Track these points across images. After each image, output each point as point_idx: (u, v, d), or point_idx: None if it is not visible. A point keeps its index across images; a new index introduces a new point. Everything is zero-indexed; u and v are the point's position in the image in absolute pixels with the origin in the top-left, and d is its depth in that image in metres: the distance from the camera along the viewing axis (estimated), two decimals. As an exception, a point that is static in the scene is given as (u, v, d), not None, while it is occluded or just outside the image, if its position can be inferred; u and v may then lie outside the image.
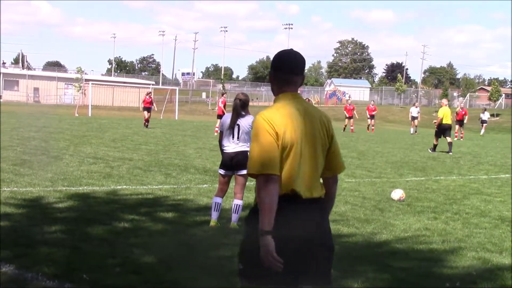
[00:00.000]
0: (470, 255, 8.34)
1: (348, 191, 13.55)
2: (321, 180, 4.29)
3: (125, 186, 12.62)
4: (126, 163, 16.47)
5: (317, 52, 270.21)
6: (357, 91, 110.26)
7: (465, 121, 41.49)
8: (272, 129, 3.93)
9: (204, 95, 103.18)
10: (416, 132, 45.63)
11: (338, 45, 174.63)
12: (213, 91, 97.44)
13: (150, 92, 43.36)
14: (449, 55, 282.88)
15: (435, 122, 27.91)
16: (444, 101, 30.15)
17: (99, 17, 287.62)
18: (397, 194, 12.58)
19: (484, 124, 51.48)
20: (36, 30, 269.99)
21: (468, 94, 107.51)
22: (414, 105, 48.69)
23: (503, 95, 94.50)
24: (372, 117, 46.90)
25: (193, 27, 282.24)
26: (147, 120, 37.43)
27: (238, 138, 9.45)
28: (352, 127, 44.38)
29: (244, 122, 9.43)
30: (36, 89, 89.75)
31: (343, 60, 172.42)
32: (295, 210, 4.01)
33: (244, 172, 9.25)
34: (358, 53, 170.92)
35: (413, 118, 46.02)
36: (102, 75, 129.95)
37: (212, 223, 9.46)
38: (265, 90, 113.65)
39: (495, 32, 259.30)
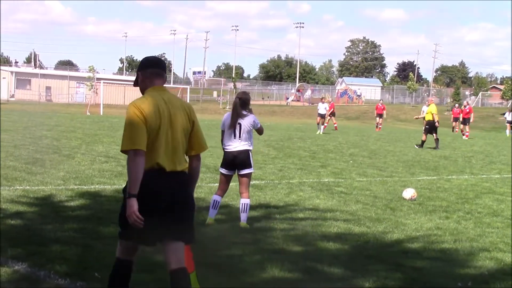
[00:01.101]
0: (482, 255, 8.31)
1: (359, 190, 13.53)
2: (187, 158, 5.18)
3: (136, 185, 12.62)
4: (138, 161, 16.48)
5: (328, 51, 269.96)
6: (368, 89, 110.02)
7: (471, 120, 41.56)
8: (141, 113, 4.85)
9: (215, 94, 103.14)
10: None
11: (349, 44, 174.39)
12: (224, 90, 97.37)
13: None
14: (461, 53, 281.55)
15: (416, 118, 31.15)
16: (432, 98, 31.16)
17: (110, 16, 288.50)
18: (409, 193, 12.56)
19: (509, 125, 49.89)
20: (48, 29, 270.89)
21: (480, 93, 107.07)
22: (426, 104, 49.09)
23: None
24: (380, 115, 47.51)
25: (204, 26, 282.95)
26: None
27: (239, 137, 9.47)
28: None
29: (245, 121, 9.48)
30: (48, 88, 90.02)
31: (354, 58, 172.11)
32: (160, 179, 4.89)
33: (247, 171, 9.48)
34: (370, 52, 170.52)
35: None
36: (114, 74, 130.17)
37: (209, 220, 9.47)
38: (276, 88, 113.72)
39: (508, 30, 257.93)
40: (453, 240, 9.11)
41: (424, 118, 30.28)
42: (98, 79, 73.70)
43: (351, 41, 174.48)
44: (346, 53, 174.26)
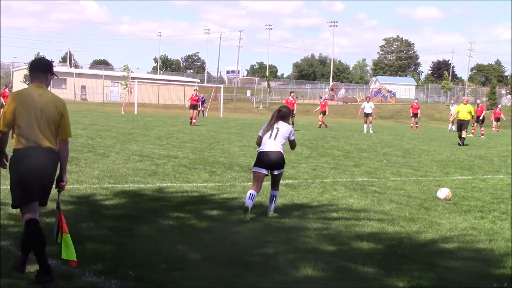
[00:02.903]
0: (518, 255, 8.21)
1: (393, 189, 13.45)
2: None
3: (170, 184, 12.71)
4: (172, 160, 16.59)
5: (362, 50, 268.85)
6: (402, 88, 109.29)
7: (481, 118, 41.65)
8: (15, 102, 6.18)
9: (248, 93, 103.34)
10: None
11: (383, 42, 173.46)
12: (257, 89, 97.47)
13: (196, 89, 43.81)
14: (497, 52, 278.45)
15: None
16: (465, 98, 32.62)
17: (145, 15, 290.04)
18: (443, 192, 12.46)
19: None
20: (83, 29, 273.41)
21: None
22: (452, 104, 49.52)
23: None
24: (415, 115, 47.56)
25: (238, 25, 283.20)
26: (194, 117, 38.03)
27: (275, 138, 10.11)
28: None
29: (283, 127, 10.24)
30: (83, 87, 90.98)
31: (388, 57, 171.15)
32: (29, 154, 6.16)
33: (281, 171, 10.26)
34: (404, 51, 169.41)
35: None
36: (148, 73, 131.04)
37: (247, 206, 9.84)
38: (310, 87, 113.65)
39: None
40: (488, 240, 9.02)
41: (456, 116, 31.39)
42: (133, 78, 74.38)
43: (385, 39, 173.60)
44: (380, 52, 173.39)
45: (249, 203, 9.81)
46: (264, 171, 10.10)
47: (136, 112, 53.88)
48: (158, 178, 13.33)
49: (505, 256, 8.17)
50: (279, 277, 6.73)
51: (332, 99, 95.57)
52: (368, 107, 39.10)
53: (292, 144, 10.46)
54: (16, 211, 9.38)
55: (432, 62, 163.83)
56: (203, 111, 56.53)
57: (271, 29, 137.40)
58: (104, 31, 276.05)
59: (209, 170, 15.07)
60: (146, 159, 16.66)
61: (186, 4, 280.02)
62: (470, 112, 30.81)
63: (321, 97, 44.07)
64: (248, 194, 9.95)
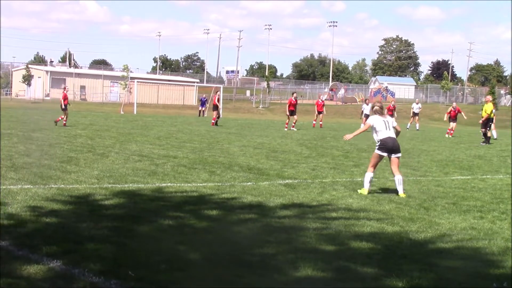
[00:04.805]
0: (518, 255, 8.22)
1: (393, 189, 13.45)
2: None
3: (170, 184, 12.72)
4: (171, 160, 16.59)
5: (361, 50, 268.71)
6: (402, 89, 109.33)
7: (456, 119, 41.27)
8: None
9: (248, 93, 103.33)
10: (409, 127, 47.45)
11: (383, 42, 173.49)
12: (257, 89, 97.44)
13: (218, 91, 44.42)
14: (497, 52, 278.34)
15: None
16: (489, 97, 34.06)
17: (145, 15, 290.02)
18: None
19: None
20: (83, 29, 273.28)
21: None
22: (416, 102, 49.92)
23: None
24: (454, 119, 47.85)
25: (237, 25, 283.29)
26: (215, 119, 39.22)
27: (389, 128, 13.01)
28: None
29: (389, 119, 13.22)
30: (82, 87, 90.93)
31: (388, 57, 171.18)
32: None
33: (399, 154, 13.10)
34: (403, 51, 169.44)
35: (414, 114, 48.01)
36: (148, 73, 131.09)
37: (364, 192, 12.76)
38: (309, 88, 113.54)
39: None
40: (488, 240, 9.02)
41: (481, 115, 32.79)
42: (132, 78, 74.38)
43: (385, 39, 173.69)
44: (380, 52, 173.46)
45: (368, 186, 12.91)
46: (385, 154, 13.03)
47: (135, 112, 53.90)
48: (157, 178, 13.33)
49: (504, 256, 8.17)
50: (279, 277, 6.73)
51: (331, 99, 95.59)
52: (367, 109, 39.38)
53: (396, 129, 13.30)
54: (16, 211, 9.44)
55: (432, 62, 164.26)
56: (204, 111, 56.59)
57: (271, 29, 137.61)
58: (104, 31, 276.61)
59: (209, 170, 15.07)
60: (145, 159, 16.67)
61: (186, 4, 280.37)
62: (485, 111, 32.13)
63: (319, 97, 44.43)
64: (368, 177, 12.93)
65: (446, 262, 7.68)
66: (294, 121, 38.30)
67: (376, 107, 13.28)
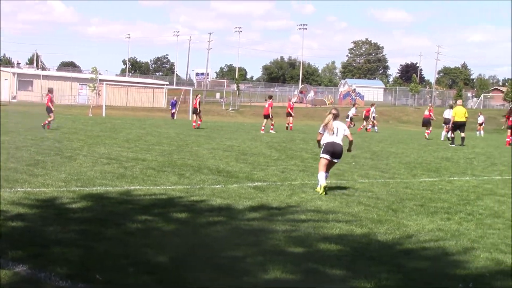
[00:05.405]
0: (484, 256, 8.31)
1: (361, 191, 13.53)
2: None
3: (138, 187, 12.65)
4: (140, 163, 16.52)
5: (331, 52, 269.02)
6: (371, 91, 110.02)
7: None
8: None
9: (218, 95, 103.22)
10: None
11: (352, 45, 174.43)
12: (227, 91, 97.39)
13: (198, 95, 44.43)
14: (464, 55, 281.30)
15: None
16: (459, 101, 35.62)
17: (114, 17, 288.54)
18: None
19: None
20: (50, 30, 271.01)
21: (482, 94, 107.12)
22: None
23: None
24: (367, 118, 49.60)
25: (207, 27, 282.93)
26: (195, 121, 39.69)
27: (337, 134, 13.40)
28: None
29: (340, 125, 13.57)
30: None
31: (357, 60, 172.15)
32: None
33: (338, 160, 13.74)
34: (373, 54, 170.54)
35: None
36: (117, 75, 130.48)
37: (320, 189, 13.05)
38: (279, 90, 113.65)
39: (509, 31, 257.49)
40: (455, 241, 9.11)
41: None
42: (101, 80, 73.82)
43: (354, 42, 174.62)
44: (349, 55, 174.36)
45: (324, 182, 13.31)
46: (329, 157, 13.40)
47: (104, 115, 53.59)
48: (126, 181, 13.26)
49: (470, 257, 8.25)
50: (248, 279, 6.72)
51: (301, 102, 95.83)
52: (352, 112, 41.68)
53: (348, 137, 13.75)
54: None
55: (400, 65, 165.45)
56: (174, 113, 56.45)
57: (241, 31, 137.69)
58: (71, 33, 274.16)
59: (178, 172, 15.03)
60: (114, 162, 16.57)
61: (155, 5, 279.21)
62: (464, 114, 32.84)
63: (290, 100, 44.65)
64: (322, 175, 13.27)
65: (413, 263, 7.74)
66: (271, 124, 38.88)
67: (333, 112, 13.69)
